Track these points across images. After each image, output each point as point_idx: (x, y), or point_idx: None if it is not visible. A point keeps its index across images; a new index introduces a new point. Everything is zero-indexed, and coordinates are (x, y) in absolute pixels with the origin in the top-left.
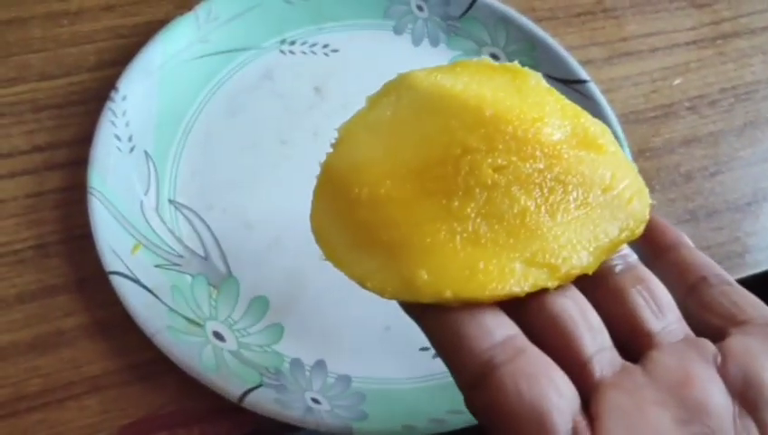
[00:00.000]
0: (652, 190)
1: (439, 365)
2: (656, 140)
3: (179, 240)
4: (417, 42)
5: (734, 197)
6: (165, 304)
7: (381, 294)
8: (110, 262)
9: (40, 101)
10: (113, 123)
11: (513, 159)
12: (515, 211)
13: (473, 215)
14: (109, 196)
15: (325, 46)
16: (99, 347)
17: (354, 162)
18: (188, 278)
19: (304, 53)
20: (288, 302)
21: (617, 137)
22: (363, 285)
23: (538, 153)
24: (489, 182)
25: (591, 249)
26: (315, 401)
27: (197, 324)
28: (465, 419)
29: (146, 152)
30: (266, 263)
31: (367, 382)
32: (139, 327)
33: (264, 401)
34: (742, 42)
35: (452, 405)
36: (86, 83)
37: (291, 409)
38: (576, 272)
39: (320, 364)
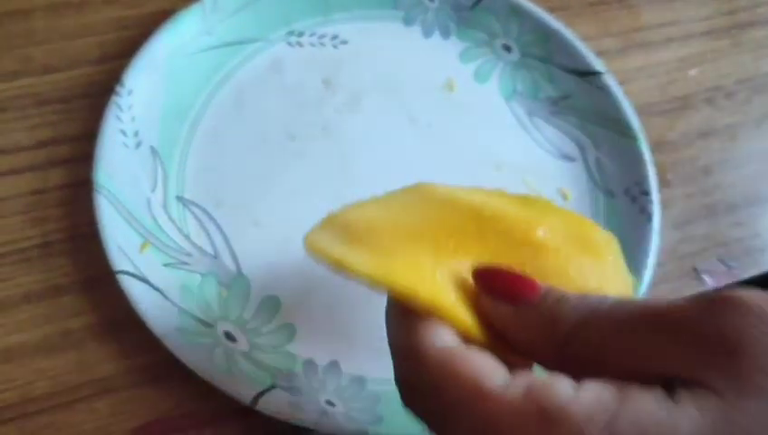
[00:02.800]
0: (669, 185)
1: None
2: (672, 133)
3: (188, 238)
4: (427, 33)
5: (753, 191)
6: (174, 305)
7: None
8: (118, 261)
9: (43, 95)
10: (119, 118)
11: (501, 247)
12: None
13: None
14: (115, 193)
15: (334, 38)
16: (107, 348)
17: (361, 218)
18: (198, 277)
19: (313, 44)
20: (300, 301)
21: (633, 129)
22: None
23: (525, 248)
24: (469, 253)
25: None
26: (330, 403)
27: (208, 325)
28: None
29: (152, 148)
30: (277, 261)
31: (382, 383)
32: (148, 328)
33: (278, 404)
34: (758, 32)
35: None
36: (90, 76)
37: (305, 411)
38: None
39: (333, 365)
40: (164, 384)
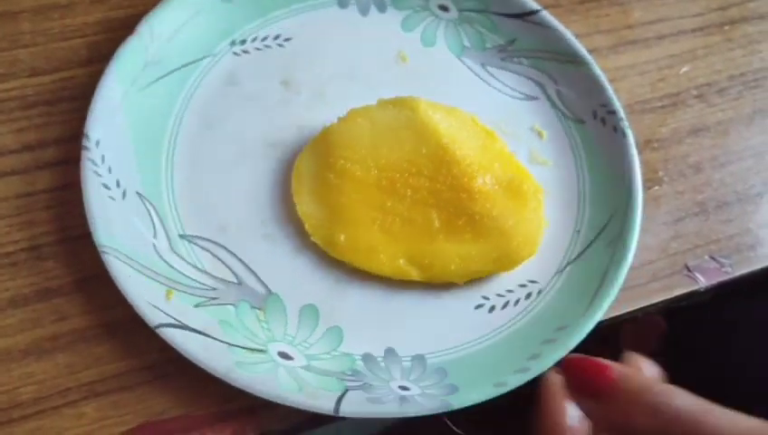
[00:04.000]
0: (660, 183)
1: (499, 318)
2: (663, 130)
3: (206, 273)
4: (363, 11)
5: (744, 187)
6: (221, 341)
7: (311, 235)
8: (152, 317)
9: (29, 98)
10: (97, 173)
11: (445, 189)
12: (422, 222)
13: (395, 214)
14: (121, 249)
15: (276, 37)
16: (95, 352)
17: (346, 139)
18: (231, 309)
19: (258, 49)
20: (336, 301)
21: (581, 56)
22: (303, 223)
23: (463, 195)
24: (418, 197)
25: (461, 270)
26: (404, 388)
27: (261, 351)
28: (549, 362)
29: (138, 193)
30: (300, 269)
31: (440, 356)
32: (203, 369)
33: (358, 405)
34: (750, 27)
35: (530, 351)
36: (77, 79)
37: (385, 403)
38: (444, 279)
39: (390, 352)
40: (152, 387)
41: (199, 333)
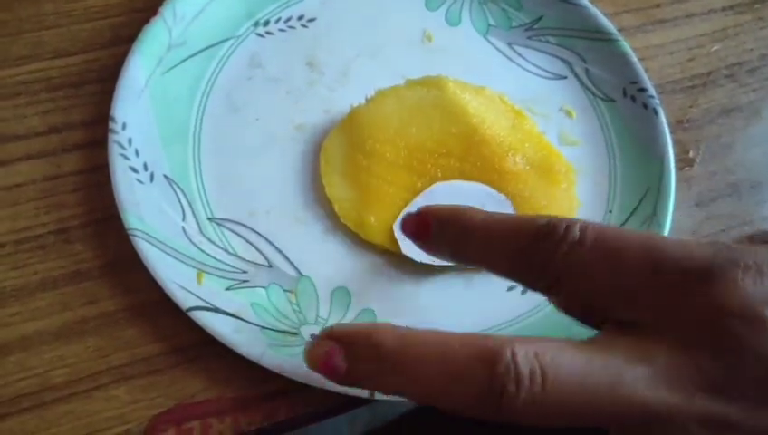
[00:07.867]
0: (691, 163)
1: (532, 300)
2: (694, 110)
3: (237, 256)
4: None
5: None
6: (254, 325)
7: (341, 217)
8: (184, 299)
9: (54, 80)
10: (124, 156)
11: (475, 170)
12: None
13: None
14: (151, 232)
15: (300, 18)
16: (124, 335)
17: (374, 119)
18: (262, 292)
19: (282, 30)
20: (367, 284)
21: (610, 32)
22: (333, 205)
23: (494, 175)
24: (448, 178)
25: None
26: None
27: (293, 334)
28: None
29: (166, 176)
30: (330, 252)
31: None
32: (235, 352)
33: None
34: None
35: (564, 333)
36: (102, 60)
37: None
38: None
39: None
40: (183, 371)
41: (231, 316)
